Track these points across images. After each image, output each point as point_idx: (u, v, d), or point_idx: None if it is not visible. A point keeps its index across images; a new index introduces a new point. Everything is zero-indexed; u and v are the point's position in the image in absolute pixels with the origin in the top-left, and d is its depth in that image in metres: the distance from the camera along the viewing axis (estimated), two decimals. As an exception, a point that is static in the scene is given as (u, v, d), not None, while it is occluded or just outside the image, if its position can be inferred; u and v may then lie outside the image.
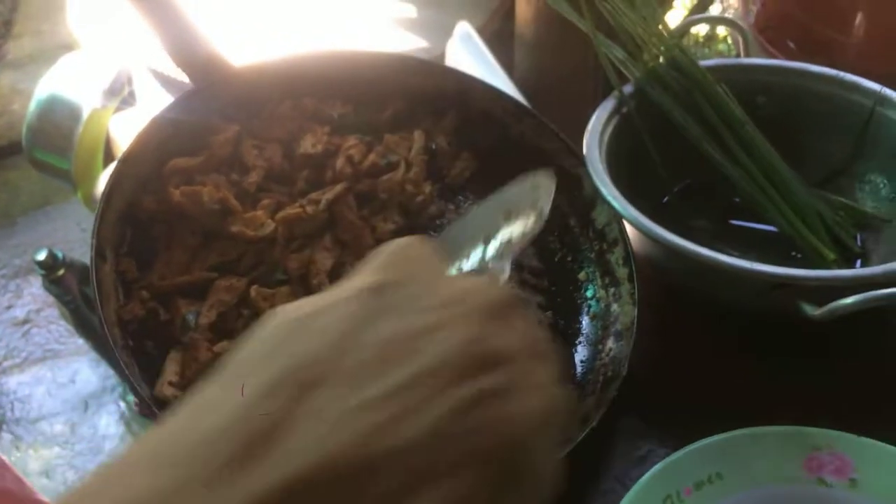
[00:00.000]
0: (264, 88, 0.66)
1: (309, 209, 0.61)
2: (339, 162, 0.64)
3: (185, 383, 0.54)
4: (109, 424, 1.53)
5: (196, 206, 0.58)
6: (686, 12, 1.45)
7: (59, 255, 1.34)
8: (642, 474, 0.55)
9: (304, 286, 0.61)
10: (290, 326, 0.24)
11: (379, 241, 0.64)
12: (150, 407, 0.51)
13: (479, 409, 0.23)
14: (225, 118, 0.64)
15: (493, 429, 0.23)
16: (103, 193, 0.56)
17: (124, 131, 1.20)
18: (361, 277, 0.26)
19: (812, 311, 0.56)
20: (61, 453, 1.50)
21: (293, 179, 0.64)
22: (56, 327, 1.62)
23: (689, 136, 0.69)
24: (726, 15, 1.38)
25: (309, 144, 0.64)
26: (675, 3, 1.34)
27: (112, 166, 1.21)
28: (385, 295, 0.25)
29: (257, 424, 0.22)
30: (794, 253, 0.69)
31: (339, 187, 0.63)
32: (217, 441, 0.22)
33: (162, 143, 0.61)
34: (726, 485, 0.56)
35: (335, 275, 0.62)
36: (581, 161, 0.66)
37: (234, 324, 0.58)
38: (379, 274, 0.26)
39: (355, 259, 0.63)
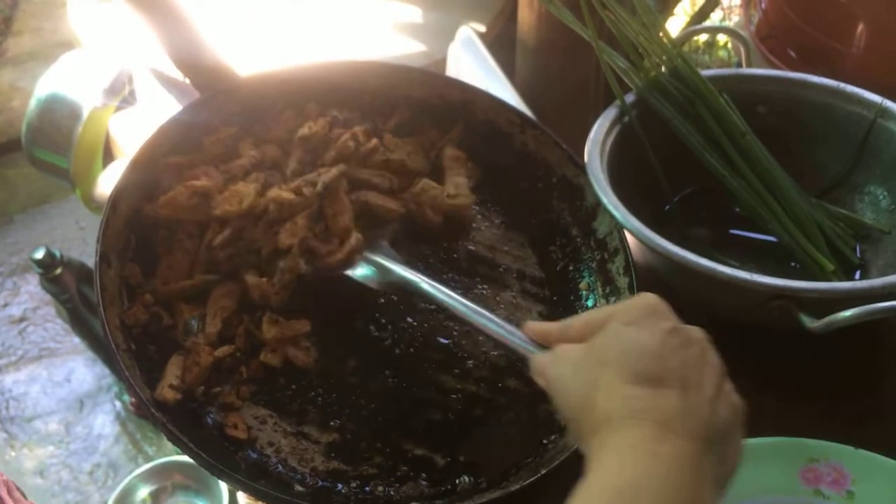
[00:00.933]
0: (270, 98, 0.66)
1: (306, 190, 0.60)
2: (344, 137, 0.64)
3: (186, 387, 0.55)
4: (105, 424, 1.53)
5: (176, 209, 0.58)
6: (687, 19, 1.46)
7: (57, 253, 1.34)
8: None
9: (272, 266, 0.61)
10: (652, 356, 0.43)
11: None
12: (149, 409, 0.51)
13: (736, 396, 0.45)
14: (231, 126, 0.64)
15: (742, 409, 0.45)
16: (109, 200, 0.56)
17: (125, 131, 1.20)
18: (659, 323, 0.45)
19: (811, 322, 0.56)
20: (56, 452, 1.50)
21: (285, 161, 0.64)
22: (52, 326, 1.62)
23: (689, 146, 0.70)
24: (727, 23, 1.39)
25: (307, 128, 0.64)
26: (675, 11, 1.34)
27: (113, 168, 1.22)
28: (679, 334, 0.44)
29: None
30: (793, 263, 0.69)
31: (335, 170, 0.62)
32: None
33: (168, 152, 0.62)
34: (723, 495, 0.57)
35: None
36: (583, 170, 0.66)
37: (235, 329, 0.58)
38: (667, 320, 0.45)
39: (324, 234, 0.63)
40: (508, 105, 0.70)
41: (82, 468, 1.45)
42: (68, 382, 1.54)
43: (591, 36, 0.70)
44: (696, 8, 1.34)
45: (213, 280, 0.59)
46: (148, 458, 1.41)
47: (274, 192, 0.60)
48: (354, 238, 0.61)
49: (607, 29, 0.73)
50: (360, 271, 0.61)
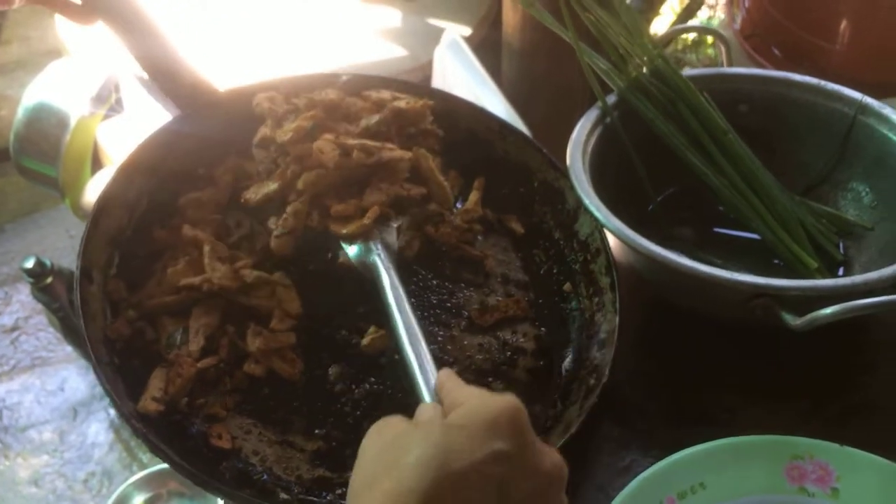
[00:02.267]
0: (252, 112, 0.66)
1: (356, 155, 0.57)
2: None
3: (169, 398, 0.55)
4: (98, 432, 1.53)
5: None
6: (674, 17, 1.46)
7: (47, 262, 1.33)
8: (626, 484, 0.56)
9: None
10: (449, 480, 0.36)
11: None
12: (130, 421, 0.51)
13: None
14: (214, 142, 0.65)
15: None
16: (90, 217, 0.56)
17: (112, 139, 1.20)
18: (489, 441, 0.37)
19: (793, 320, 0.57)
20: (50, 461, 1.49)
21: (363, 117, 0.60)
22: (45, 335, 1.61)
23: (672, 146, 0.70)
24: (712, 22, 1.39)
25: (404, 103, 0.61)
26: (662, 10, 1.34)
27: (101, 176, 1.22)
28: (512, 462, 0.37)
29: None
30: (777, 261, 0.69)
31: (401, 154, 0.59)
32: None
33: (150, 168, 0.62)
34: (709, 494, 0.57)
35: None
36: (563, 174, 0.66)
37: (218, 342, 0.58)
38: (506, 440, 0.37)
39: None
40: (488, 112, 0.70)
41: (77, 477, 1.44)
42: (62, 391, 1.53)
43: (571, 38, 0.70)
44: (683, 6, 1.34)
45: (197, 296, 0.59)
46: (143, 466, 1.40)
47: (321, 143, 0.57)
48: (373, 213, 0.58)
49: (590, 30, 0.73)
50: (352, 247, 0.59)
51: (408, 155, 0.60)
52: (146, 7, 0.60)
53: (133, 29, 0.59)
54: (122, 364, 0.55)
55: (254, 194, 0.59)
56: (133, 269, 0.60)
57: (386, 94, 0.62)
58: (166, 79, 0.62)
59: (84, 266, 0.55)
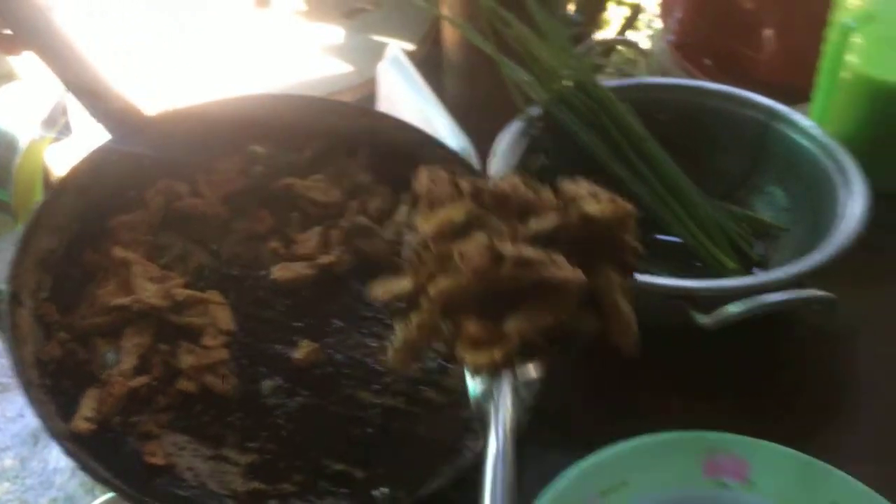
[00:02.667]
0: (182, 135, 0.67)
1: (508, 268, 0.41)
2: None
3: (101, 417, 0.56)
4: (60, 457, 1.51)
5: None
6: (620, 25, 1.50)
7: (2, 288, 1.32)
8: (546, 485, 0.58)
9: None
10: None
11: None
12: (59, 440, 0.52)
13: None
14: (145, 164, 0.66)
15: None
16: (18, 241, 0.58)
17: (60, 161, 1.21)
18: None
19: (703, 319, 0.59)
20: (11, 488, 1.48)
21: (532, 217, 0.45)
22: (3, 361, 1.60)
23: (594, 155, 0.72)
24: (653, 26, 1.43)
25: (596, 206, 0.46)
26: (605, 22, 1.38)
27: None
28: None
29: None
30: (698, 263, 0.72)
31: (573, 275, 0.42)
32: None
33: (80, 190, 0.64)
34: (631, 491, 0.59)
35: None
36: (486, 185, 0.68)
37: (151, 360, 0.59)
38: None
39: None
40: (411, 126, 0.72)
41: (39, 503, 1.43)
42: (22, 417, 1.51)
43: (493, 51, 0.73)
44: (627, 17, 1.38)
45: (128, 316, 0.60)
46: (105, 490, 1.39)
47: (468, 246, 0.43)
48: (507, 345, 0.42)
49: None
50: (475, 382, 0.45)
51: (581, 279, 0.43)
52: (73, 35, 0.62)
53: (60, 57, 0.61)
54: (53, 385, 0.56)
55: (382, 290, 0.48)
56: (66, 292, 0.61)
57: (582, 190, 0.47)
58: (95, 104, 0.63)
59: (13, 290, 0.56)
